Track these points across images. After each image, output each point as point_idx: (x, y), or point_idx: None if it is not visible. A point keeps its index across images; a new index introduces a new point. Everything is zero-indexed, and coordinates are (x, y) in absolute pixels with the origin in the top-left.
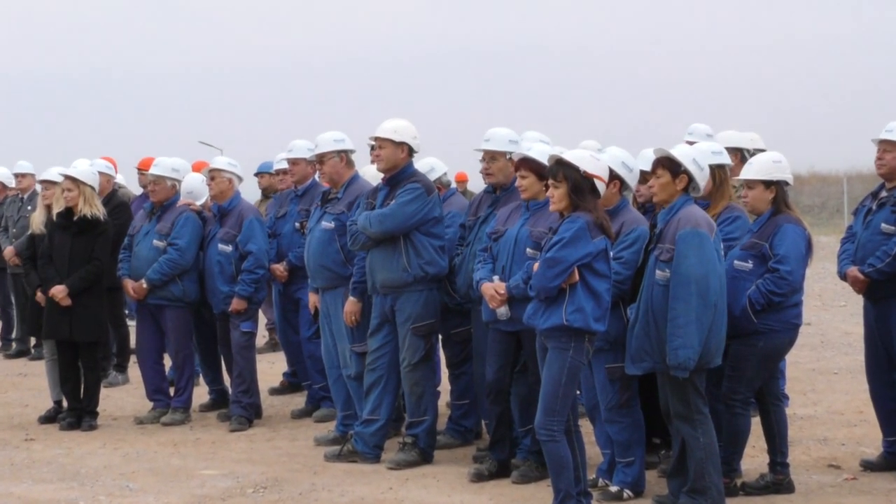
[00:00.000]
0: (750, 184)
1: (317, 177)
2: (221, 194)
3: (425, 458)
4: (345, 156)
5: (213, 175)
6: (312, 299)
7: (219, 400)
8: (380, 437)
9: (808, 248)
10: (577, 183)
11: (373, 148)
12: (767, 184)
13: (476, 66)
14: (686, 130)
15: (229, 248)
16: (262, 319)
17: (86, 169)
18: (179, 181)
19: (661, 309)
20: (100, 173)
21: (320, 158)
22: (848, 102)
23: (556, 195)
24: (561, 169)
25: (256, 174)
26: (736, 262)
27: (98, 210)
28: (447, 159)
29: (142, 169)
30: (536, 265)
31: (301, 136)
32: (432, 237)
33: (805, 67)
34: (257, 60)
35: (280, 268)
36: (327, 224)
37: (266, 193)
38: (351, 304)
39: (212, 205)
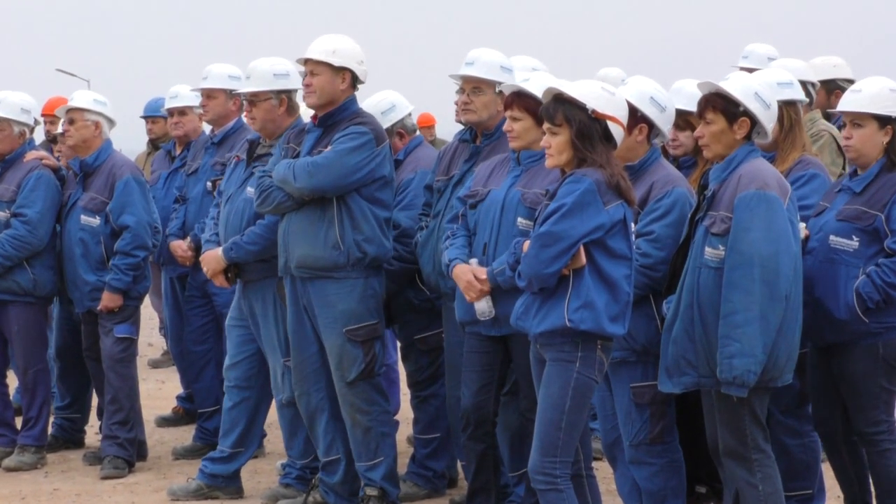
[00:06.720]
0: (858, 120)
1: (243, 117)
2: (84, 144)
3: None
4: (286, 98)
5: (72, 117)
6: (212, 260)
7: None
8: (352, 480)
9: None
10: (584, 127)
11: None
12: (884, 121)
13: None
14: (740, 54)
15: (97, 221)
16: (155, 318)
17: None
18: (30, 127)
19: (712, 300)
20: None
21: (251, 98)
22: None
23: (555, 145)
24: (560, 108)
25: (144, 117)
26: (833, 237)
27: None
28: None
29: None
30: (527, 243)
31: (214, 60)
32: (377, 205)
33: None
34: None
35: (183, 245)
36: (253, 190)
37: (156, 144)
38: (213, 259)
39: (72, 160)
